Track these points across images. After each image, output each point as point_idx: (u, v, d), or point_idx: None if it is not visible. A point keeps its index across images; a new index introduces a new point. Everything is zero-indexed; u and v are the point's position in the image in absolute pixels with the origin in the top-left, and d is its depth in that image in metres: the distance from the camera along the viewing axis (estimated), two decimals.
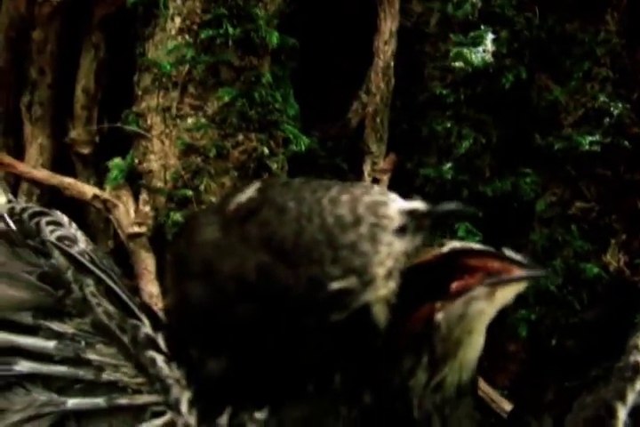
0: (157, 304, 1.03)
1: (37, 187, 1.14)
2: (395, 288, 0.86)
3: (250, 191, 0.95)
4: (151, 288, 1.04)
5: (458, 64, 1.17)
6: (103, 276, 1.01)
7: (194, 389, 0.98)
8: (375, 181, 1.16)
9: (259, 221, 0.93)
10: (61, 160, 1.17)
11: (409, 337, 0.90)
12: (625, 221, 1.18)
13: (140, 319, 0.99)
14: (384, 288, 0.86)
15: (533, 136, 1.19)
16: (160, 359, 0.96)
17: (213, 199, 1.06)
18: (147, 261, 1.06)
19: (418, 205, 0.87)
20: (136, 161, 1.10)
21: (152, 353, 0.97)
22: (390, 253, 0.86)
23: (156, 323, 1.00)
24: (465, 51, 1.16)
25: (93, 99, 1.17)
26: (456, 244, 0.91)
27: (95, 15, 1.15)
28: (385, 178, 1.16)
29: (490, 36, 1.17)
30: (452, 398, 0.97)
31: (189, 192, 1.06)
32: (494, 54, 1.16)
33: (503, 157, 1.19)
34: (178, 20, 1.09)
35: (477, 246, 0.92)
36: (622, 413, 0.92)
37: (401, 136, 1.20)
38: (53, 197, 1.14)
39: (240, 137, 1.07)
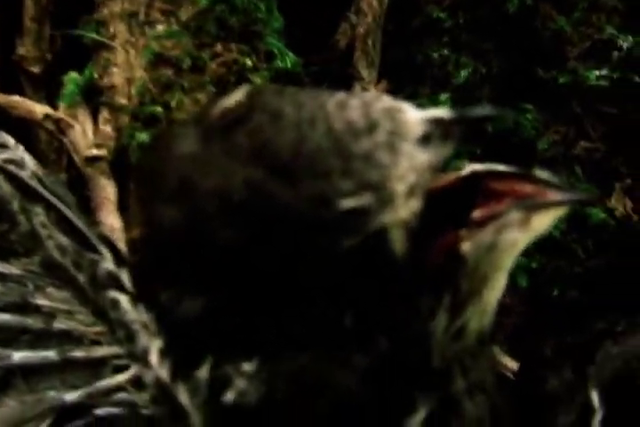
0: (119, 239, 0.84)
1: None
2: (416, 209, 0.70)
3: (237, 95, 0.77)
4: (112, 220, 0.86)
5: None
6: (55, 201, 0.82)
7: (166, 335, 0.80)
8: None
9: (248, 129, 0.75)
10: (9, 80, 0.96)
11: (429, 271, 0.74)
12: (631, 163, 1.04)
13: (99, 253, 0.80)
14: (404, 208, 0.69)
15: (536, 68, 1.04)
16: (124, 300, 0.78)
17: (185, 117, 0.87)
18: (107, 189, 0.88)
19: (442, 113, 0.72)
20: (95, 75, 0.92)
21: (114, 293, 0.78)
22: (412, 165, 0.70)
23: (118, 257, 0.81)
24: None
25: (44, 9, 0.96)
26: (478, 166, 0.75)
27: None
28: None
29: None
30: (474, 347, 0.81)
31: (158, 109, 0.88)
32: None
33: (503, 89, 1.03)
34: None
35: (503, 168, 0.76)
36: None
37: (393, 63, 1.03)
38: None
39: (218, 47, 0.90)
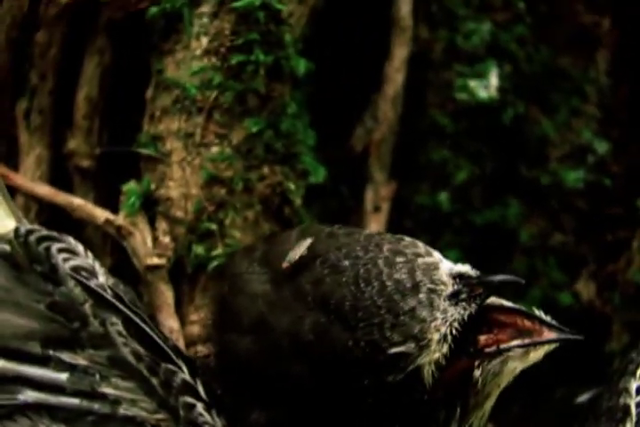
0: (178, 339, 0.96)
1: (35, 202, 1.02)
2: (447, 352, 0.87)
3: (301, 249, 0.90)
4: (171, 323, 0.97)
5: (462, 96, 1.12)
6: (133, 316, 0.94)
7: None
8: (376, 208, 1.12)
9: (312, 278, 0.89)
10: (58, 174, 1.04)
11: (445, 390, 0.91)
12: (596, 252, 1.20)
13: (176, 365, 0.92)
14: (438, 352, 0.87)
15: (520, 168, 1.18)
16: (200, 406, 0.91)
17: (237, 233, 0.98)
18: (166, 294, 0.99)
19: (467, 269, 0.88)
20: (152, 186, 1.00)
21: (190, 399, 0.92)
22: (445, 319, 0.86)
23: (193, 369, 0.94)
24: (471, 83, 1.12)
25: (96, 108, 1.05)
26: (490, 299, 0.92)
27: (102, 18, 1.02)
28: (385, 205, 1.12)
29: (495, 71, 1.13)
30: None
31: (213, 226, 0.98)
32: (499, 89, 1.12)
33: (492, 187, 1.17)
34: (204, 41, 0.99)
35: (508, 304, 0.94)
36: None
37: (398, 162, 1.15)
38: (51, 215, 1.02)
39: (265, 170, 1.00)
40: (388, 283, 0.85)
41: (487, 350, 0.86)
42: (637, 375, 1.01)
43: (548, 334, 0.89)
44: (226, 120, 1.01)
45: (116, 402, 0.91)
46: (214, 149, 1.01)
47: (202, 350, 1.00)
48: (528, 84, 1.18)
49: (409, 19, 1.14)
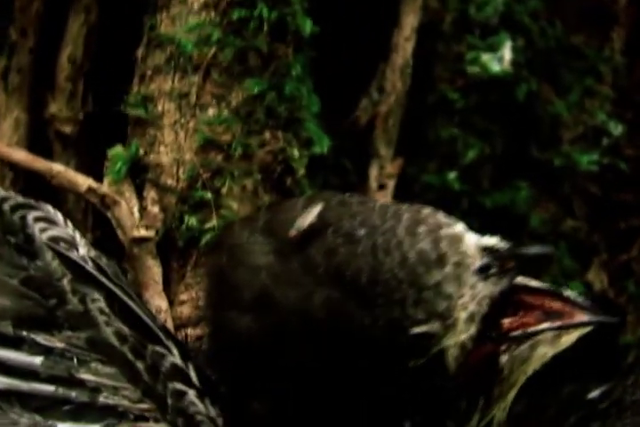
0: (166, 321, 0.85)
1: (11, 169, 0.91)
2: (474, 333, 0.76)
3: (310, 216, 0.79)
4: (159, 302, 0.87)
5: (473, 69, 1.03)
6: (117, 291, 0.82)
7: None
8: (381, 186, 1.02)
9: (324, 248, 0.79)
10: (38, 139, 0.93)
11: (467, 378, 0.80)
12: (608, 240, 1.11)
13: (166, 347, 0.81)
14: (464, 333, 0.76)
15: (532, 149, 1.09)
16: (191, 393, 0.80)
17: (234, 204, 0.88)
18: (153, 270, 0.88)
19: (495, 241, 0.78)
20: (141, 151, 0.89)
21: (180, 386, 0.81)
22: (473, 295, 0.76)
23: (184, 353, 0.82)
24: (483, 56, 1.03)
25: (80, 69, 0.95)
26: (518, 279, 0.82)
27: None
28: (391, 183, 1.03)
29: (508, 44, 1.04)
30: None
31: (208, 195, 0.88)
32: (512, 63, 1.03)
33: (502, 168, 1.08)
34: None
35: (536, 283, 0.83)
36: None
37: (404, 139, 1.06)
38: (28, 183, 0.91)
39: (266, 135, 0.90)
40: (411, 254, 0.74)
41: (514, 333, 0.76)
42: None
43: (581, 316, 0.79)
44: (224, 80, 0.91)
45: (95, 390, 0.80)
46: (211, 111, 0.90)
47: (193, 333, 0.89)
48: (541, 60, 1.09)
49: None
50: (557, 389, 1.16)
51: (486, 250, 0.77)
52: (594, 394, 1.10)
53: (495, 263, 0.76)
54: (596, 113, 1.14)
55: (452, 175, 1.09)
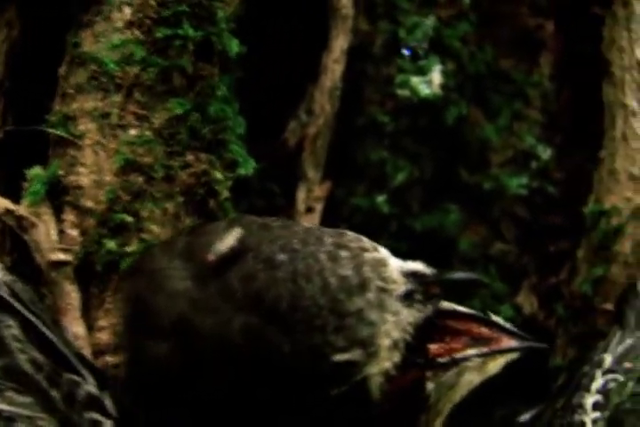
0: (84, 348, 0.80)
1: None
2: (399, 361, 0.73)
3: (230, 240, 0.76)
4: (77, 328, 0.82)
5: (403, 92, 1.01)
6: (32, 318, 0.78)
7: None
8: (309, 209, 0.99)
9: (243, 273, 0.75)
10: None
11: (392, 406, 0.77)
12: (538, 263, 1.10)
13: (81, 375, 0.76)
14: (388, 361, 0.73)
15: (461, 172, 1.07)
16: (108, 424, 0.75)
17: (155, 227, 0.83)
18: (71, 295, 0.83)
19: (420, 266, 0.75)
20: (61, 172, 0.84)
21: (96, 416, 0.76)
22: (398, 322, 0.73)
23: (100, 381, 0.78)
24: (413, 79, 1.01)
25: (0, 87, 0.89)
26: (440, 304, 0.79)
27: None
28: (319, 206, 0.99)
29: (438, 67, 1.02)
30: None
31: (128, 218, 0.83)
32: (442, 87, 1.01)
33: (432, 191, 1.06)
34: (128, 11, 0.85)
35: (462, 309, 0.81)
36: None
37: (333, 161, 1.03)
38: None
39: (189, 157, 0.86)
40: (332, 280, 0.71)
41: (440, 359, 0.72)
42: (592, 390, 0.89)
43: (508, 342, 0.76)
44: (147, 100, 0.87)
45: (10, 419, 0.75)
46: (133, 132, 0.86)
47: (111, 360, 0.84)
48: (471, 84, 1.07)
49: (350, 7, 1.02)
50: (488, 413, 1.13)
51: (410, 275, 0.74)
52: (524, 418, 1.08)
53: (419, 289, 0.73)
54: (524, 137, 1.12)
55: (380, 198, 1.06)
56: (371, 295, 0.71)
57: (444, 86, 1.04)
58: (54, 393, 0.77)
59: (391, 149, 1.07)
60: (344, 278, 0.71)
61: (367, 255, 0.74)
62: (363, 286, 0.71)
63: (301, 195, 1.02)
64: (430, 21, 1.04)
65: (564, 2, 1.09)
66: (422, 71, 1.05)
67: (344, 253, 0.73)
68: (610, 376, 0.93)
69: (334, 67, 1.03)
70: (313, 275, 0.71)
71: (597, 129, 1.08)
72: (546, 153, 1.11)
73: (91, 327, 0.86)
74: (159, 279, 0.76)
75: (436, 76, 1.04)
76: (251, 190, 0.98)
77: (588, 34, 1.08)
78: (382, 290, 0.71)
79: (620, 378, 0.92)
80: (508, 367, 1.14)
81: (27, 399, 0.77)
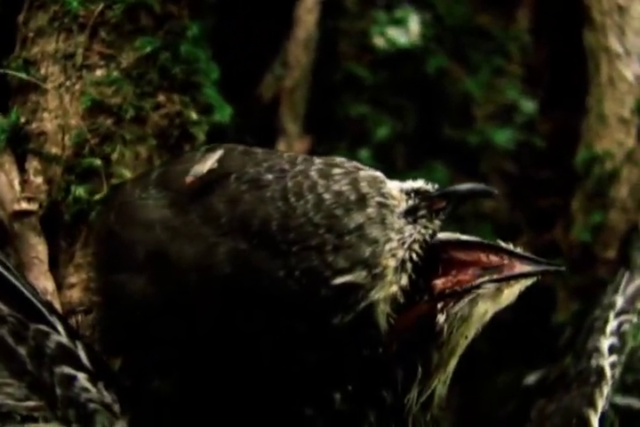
0: (53, 303, 0.69)
1: None
2: (407, 284, 0.63)
3: (210, 161, 0.66)
4: (44, 282, 0.71)
5: (380, 43, 0.93)
6: None
7: (131, 417, 0.67)
8: None
9: (226, 196, 0.65)
10: None
11: (401, 343, 0.67)
12: (530, 219, 1.01)
13: (50, 324, 0.66)
14: (394, 284, 0.63)
15: (445, 127, 0.98)
16: (81, 378, 0.64)
17: (126, 172, 0.74)
18: (37, 248, 0.73)
19: (421, 184, 0.65)
20: (22, 120, 0.75)
21: (68, 369, 0.65)
22: (402, 240, 0.63)
23: (71, 330, 0.67)
24: (390, 30, 0.92)
25: None
26: (440, 235, 0.69)
27: None
28: None
29: (415, 17, 0.94)
30: (438, 417, 0.75)
31: (97, 161, 0.74)
32: (420, 37, 0.93)
33: (416, 147, 0.97)
34: None
35: (466, 238, 0.71)
36: (595, 420, 0.75)
37: (312, 117, 0.94)
38: None
39: (161, 97, 0.77)
40: (326, 195, 0.61)
41: (451, 289, 0.63)
42: (607, 333, 0.79)
43: (522, 267, 0.66)
44: (113, 39, 0.78)
45: None
46: (99, 72, 0.78)
47: (84, 320, 0.74)
48: (449, 38, 1.00)
49: None
50: (491, 378, 1.04)
51: (412, 192, 0.64)
52: (530, 380, 0.98)
53: (423, 205, 0.64)
54: (506, 91, 1.04)
55: (364, 153, 0.97)
56: (371, 211, 0.62)
57: (422, 36, 0.96)
58: (21, 350, 0.66)
59: (371, 103, 0.98)
60: (340, 194, 0.62)
61: (362, 173, 0.65)
62: (361, 202, 0.62)
63: (281, 149, 0.93)
64: None
65: None
66: (399, 22, 0.97)
67: (337, 170, 0.64)
68: (623, 317, 0.84)
69: (307, 17, 0.96)
70: (305, 192, 0.62)
71: (579, 79, 1.01)
72: (529, 106, 1.04)
73: (60, 285, 0.76)
74: (131, 210, 0.66)
75: (414, 25, 0.96)
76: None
77: None
78: (383, 206, 0.62)
79: (634, 319, 0.83)
80: (509, 328, 1.04)
81: None
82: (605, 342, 0.81)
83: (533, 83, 1.06)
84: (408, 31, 0.96)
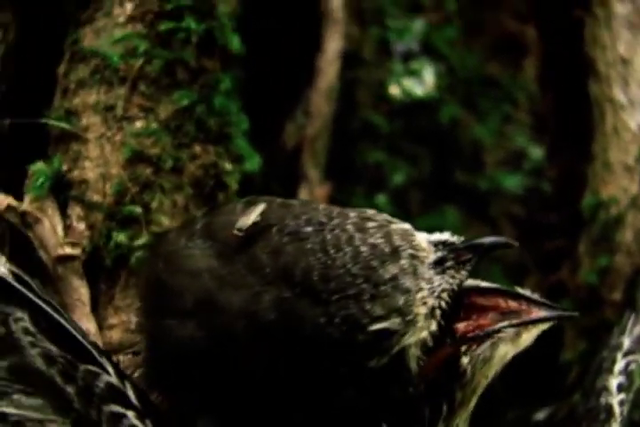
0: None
1: None
2: (436, 330, 0.67)
3: (253, 215, 0.71)
4: (87, 324, 0.75)
5: (396, 93, 0.98)
6: (43, 306, 0.70)
7: None
8: None
9: (270, 247, 0.69)
10: None
11: (428, 383, 0.71)
12: (537, 260, 1.06)
13: (99, 365, 0.69)
14: (425, 330, 0.67)
15: (457, 173, 1.03)
16: (130, 415, 0.67)
17: (164, 219, 0.78)
18: (80, 291, 0.76)
19: (447, 236, 0.70)
20: (64, 167, 0.79)
21: (117, 408, 0.68)
22: (432, 289, 0.68)
23: (120, 370, 0.70)
24: (406, 81, 0.98)
25: None
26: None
27: None
28: None
29: (429, 69, 0.99)
30: None
31: (137, 209, 0.78)
32: (435, 87, 0.99)
33: (430, 192, 1.02)
34: (129, 7, 0.82)
35: (486, 284, 0.76)
36: None
37: (332, 164, 0.98)
38: None
39: (197, 148, 0.81)
40: (363, 248, 0.65)
41: (474, 333, 0.67)
42: (615, 372, 0.83)
43: (539, 313, 0.71)
44: (152, 92, 0.82)
45: (18, 424, 0.67)
46: (139, 124, 0.81)
47: (125, 359, 0.77)
48: (461, 87, 1.05)
49: (340, 11, 1.00)
50: (501, 414, 1.07)
51: (439, 244, 0.69)
52: (539, 417, 1.02)
53: (450, 256, 0.68)
54: (515, 138, 1.09)
55: (381, 199, 1.01)
56: (404, 262, 0.66)
57: (436, 87, 1.02)
58: (69, 389, 0.69)
59: (387, 150, 1.03)
60: (375, 246, 0.66)
61: (394, 226, 0.69)
62: (395, 254, 0.66)
63: (303, 195, 0.98)
64: (418, 25, 1.02)
65: (544, 6, 1.09)
66: (414, 73, 1.02)
67: (371, 224, 0.68)
68: (630, 358, 0.88)
69: (329, 68, 1.00)
70: (343, 244, 0.66)
71: (583, 127, 1.06)
72: (537, 153, 1.09)
73: (100, 326, 0.79)
74: (178, 259, 0.70)
75: (429, 76, 1.01)
76: (253, 191, 0.93)
77: (568, 36, 1.07)
78: (414, 257, 0.66)
79: None
80: (518, 367, 1.08)
81: (37, 401, 0.69)
82: (614, 381, 0.85)
83: (540, 130, 1.11)
84: (423, 82, 1.00)
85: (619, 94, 1.02)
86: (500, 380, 1.07)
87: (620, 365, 0.87)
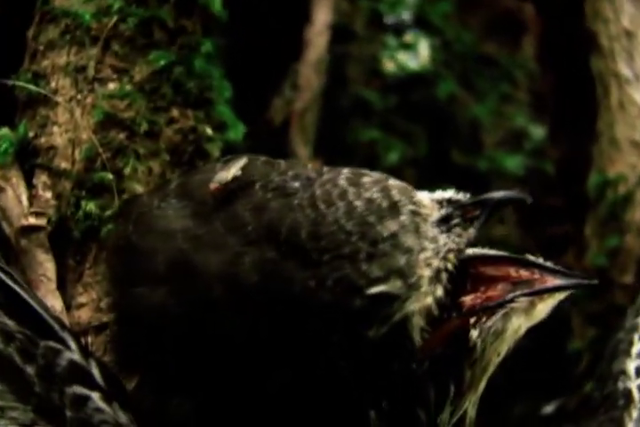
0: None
1: None
2: (441, 296, 0.59)
3: (233, 169, 0.62)
4: (52, 301, 0.67)
5: (389, 67, 0.90)
6: (3, 277, 0.62)
7: None
8: None
9: (252, 203, 0.61)
10: None
11: (433, 360, 0.62)
12: (540, 245, 0.98)
13: (61, 340, 0.60)
14: (429, 296, 0.58)
15: (454, 153, 0.96)
16: (95, 397, 0.59)
17: (138, 187, 0.70)
18: (45, 265, 0.68)
19: (452, 194, 0.62)
20: (31, 134, 0.71)
21: (80, 389, 0.59)
22: (437, 250, 0.59)
23: (84, 347, 0.62)
24: (399, 54, 0.90)
25: None
26: (469, 250, 0.65)
27: None
28: None
29: (424, 42, 0.92)
30: None
31: (109, 176, 0.70)
32: (430, 60, 0.91)
33: (425, 172, 0.94)
34: None
35: (494, 252, 0.67)
36: None
37: (322, 142, 0.91)
38: None
39: (174, 112, 0.73)
40: (358, 203, 0.57)
41: (485, 304, 0.59)
42: (633, 355, 0.75)
43: (554, 281, 0.62)
44: (126, 52, 0.75)
45: None
46: (112, 86, 0.74)
47: (94, 340, 0.68)
48: (457, 63, 0.98)
49: None
50: (507, 408, 0.99)
51: (443, 201, 0.61)
52: (547, 410, 0.93)
53: (457, 213, 0.60)
54: (514, 118, 1.02)
55: None
56: (404, 219, 0.58)
57: (432, 60, 0.94)
58: (29, 370, 0.61)
59: (381, 127, 0.95)
60: (371, 201, 0.58)
61: (392, 181, 0.61)
62: (394, 209, 0.58)
63: None
64: None
65: None
66: (408, 46, 0.95)
67: (366, 179, 0.60)
68: None
69: (318, 40, 0.94)
70: (335, 199, 0.58)
71: (585, 105, 0.99)
72: (538, 133, 1.02)
73: (68, 305, 0.71)
74: (150, 220, 0.62)
75: (424, 49, 0.94)
76: None
77: (568, 10, 1.00)
78: (416, 214, 0.58)
79: None
80: (523, 358, 1.00)
81: None
82: (632, 364, 0.77)
83: (540, 109, 1.04)
84: (418, 55, 0.93)
85: (623, 68, 0.95)
86: (505, 372, 0.99)
87: (638, 346, 0.79)
